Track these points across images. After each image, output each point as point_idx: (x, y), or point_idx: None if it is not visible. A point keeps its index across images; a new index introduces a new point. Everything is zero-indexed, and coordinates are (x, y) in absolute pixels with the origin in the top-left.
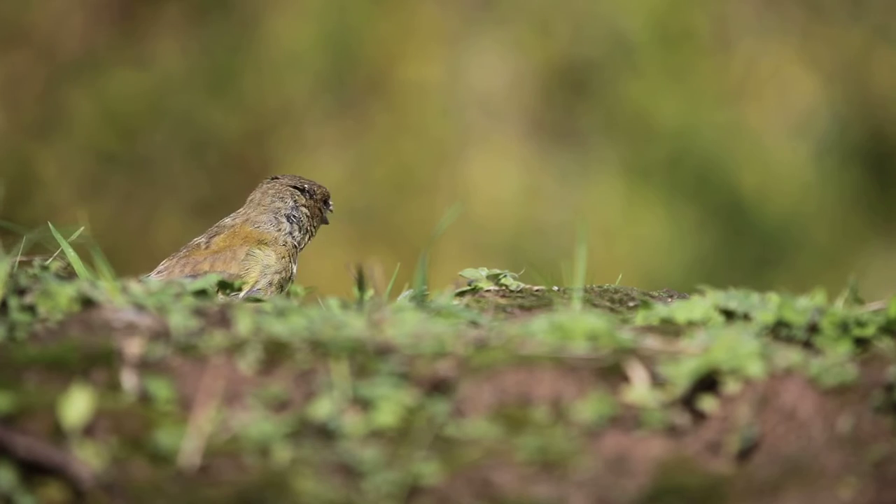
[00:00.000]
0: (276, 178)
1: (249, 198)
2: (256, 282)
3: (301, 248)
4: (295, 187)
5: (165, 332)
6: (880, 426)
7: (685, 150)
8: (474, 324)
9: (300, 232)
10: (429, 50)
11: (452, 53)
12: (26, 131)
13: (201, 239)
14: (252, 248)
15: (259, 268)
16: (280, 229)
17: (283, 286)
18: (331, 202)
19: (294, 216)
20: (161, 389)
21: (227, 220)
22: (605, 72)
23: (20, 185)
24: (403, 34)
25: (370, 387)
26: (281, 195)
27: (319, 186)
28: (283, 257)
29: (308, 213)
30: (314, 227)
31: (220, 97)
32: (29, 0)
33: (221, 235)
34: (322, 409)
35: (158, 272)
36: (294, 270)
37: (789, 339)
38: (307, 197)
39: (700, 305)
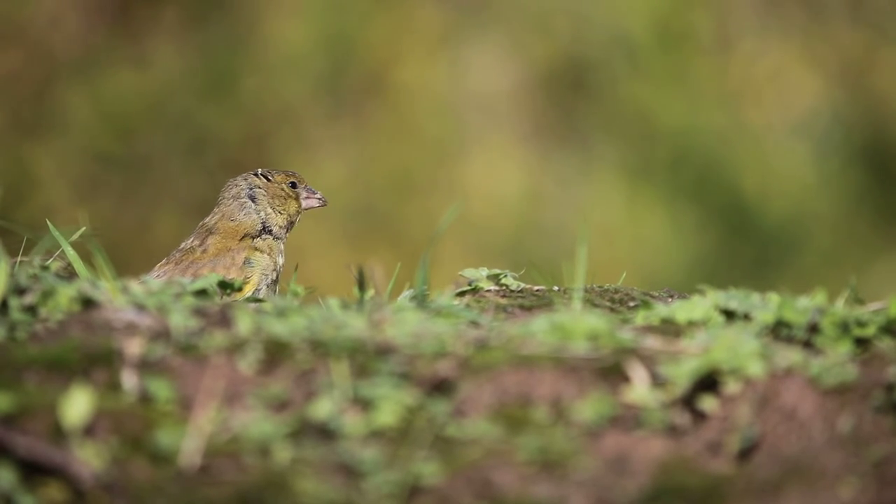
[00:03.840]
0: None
1: (217, 200)
2: (257, 288)
3: (278, 235)
4: (250, 173)
5: (166, 332)
6: (881, 426)
7: (686, 151)
8: (475, 324)
9: (271, 209)
10: (428, 50)
11: (452, 53)
12: (23, 131)
13: (193, 242)
14: (250, 255)
15: (258, 274)
16: (247, 212)
17: (276, 281)
18: (307, 185)
19: (252, 195)
20: (161, 389)
21: (207, 220)
22: (606, 72)
23: (18, 186)
24: (402, 34)
25: (370, 387)
26: (236, 183)
27: (281, 172)
28: (272, 253)
29: (266, 193)
30: (283, 208)
31: (218, 98)
32: None
33: (213, 238)
34: (322, 409)
35: (157, 277)
36: (281, 263)
37: (790, 339)
38: (263, 179)
39: (700, 305)
